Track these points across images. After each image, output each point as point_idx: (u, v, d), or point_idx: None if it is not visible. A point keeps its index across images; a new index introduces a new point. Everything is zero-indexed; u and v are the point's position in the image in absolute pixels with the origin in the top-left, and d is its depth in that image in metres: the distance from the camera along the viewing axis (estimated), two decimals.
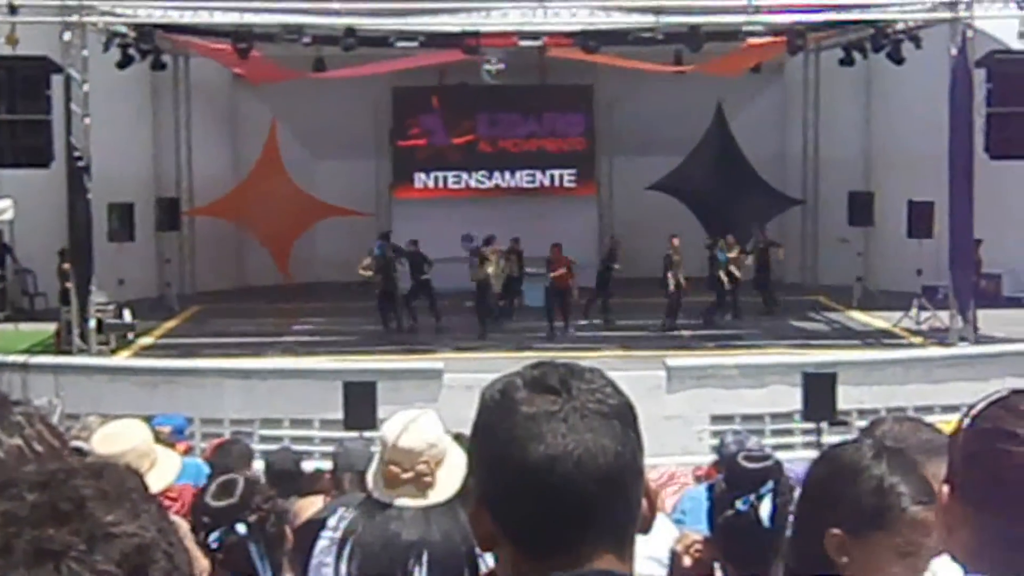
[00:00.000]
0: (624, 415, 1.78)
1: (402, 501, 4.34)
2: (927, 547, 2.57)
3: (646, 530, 1.82)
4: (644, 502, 1.81)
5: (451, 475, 4.39)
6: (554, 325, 23.78)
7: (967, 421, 1.97)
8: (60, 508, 1.18)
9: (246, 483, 3.98)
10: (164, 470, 5.34)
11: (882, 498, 2.62)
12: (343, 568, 4.28)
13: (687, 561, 3.21)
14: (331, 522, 4.34)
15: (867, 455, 2.68)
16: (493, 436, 1.77)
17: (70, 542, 1.15)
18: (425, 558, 4.27)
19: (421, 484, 4.33)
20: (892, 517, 2.61)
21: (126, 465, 1.28)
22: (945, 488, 1.98)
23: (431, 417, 4.50)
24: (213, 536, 3.78)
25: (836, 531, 2.63)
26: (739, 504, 3.22)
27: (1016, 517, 1.86)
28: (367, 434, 14.08)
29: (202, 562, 3.74)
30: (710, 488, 3.41)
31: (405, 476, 4.32)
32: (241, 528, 3.78)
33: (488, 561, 4.04)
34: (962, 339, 21.77)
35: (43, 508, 1.18)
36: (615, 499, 1.74)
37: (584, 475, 1.71)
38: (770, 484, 3.24)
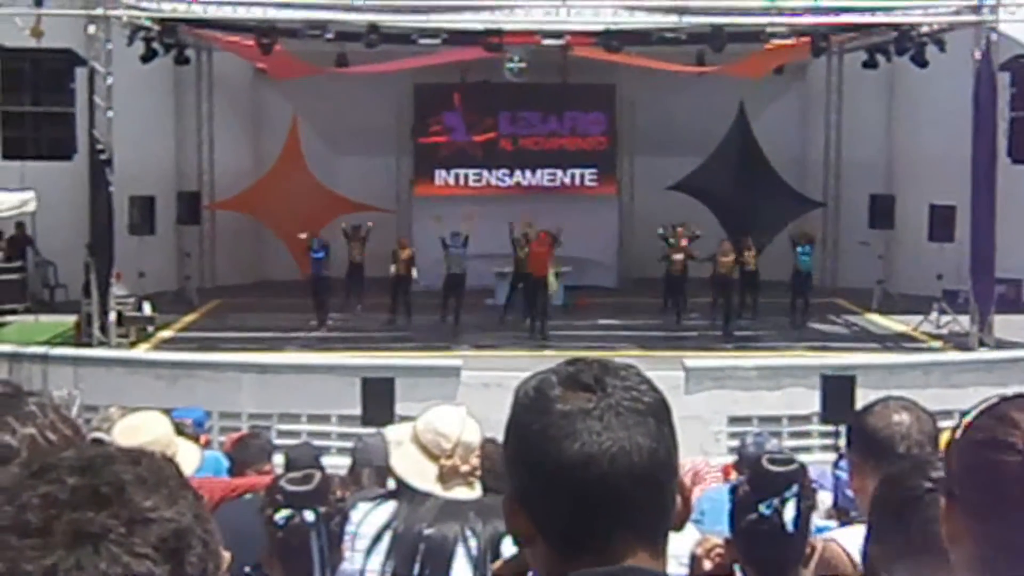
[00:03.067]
0: (659, 412, 1.79)
1: (458, 494, 4.37)
2: None
3: (680, 527, 1.82)
4: (678, 499, 1.81)
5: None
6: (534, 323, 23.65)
7: (959, 433, 1.98)
8: (100, 492, 1.20)
9: (323, 478, 4.07)
10: (184, 462, 5.36)
11: (907, 537, 2.66)
12: (373, 563, 4.29)
13: (707, 565, 3.20)
14: (353, 516, 4.35)
15: (916, 493, 2.71)
16: (528, 433, 1.77)
17: (109, 525, 1.18)
18: (464, 557, 4.29)
19: (469, 479, 4.37)
20: (912, 557, 2.65)
21: (162, 453, 1.30)
22: (943, 500, 1.98)
23: (464, 411, 4.57)
24: (281, 514, 3.85)
25: (877, 548, 2.72)
26: (763, 508, 3.21)
27: (1014, 527, 1.87)
28: (384, 431, 14.08)
29: (224, 554, 3.77)
30: (732, 490, 3.39)
31: (464, 469, 4.36)
32: (309, 515, 3.86)
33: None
34: (981, 344, 21.71)
35: (83, 491, 1.21)
36: (649, 497, 1.75)
37: (619, 473, 1.71)
38: (795, 488, 3.23)
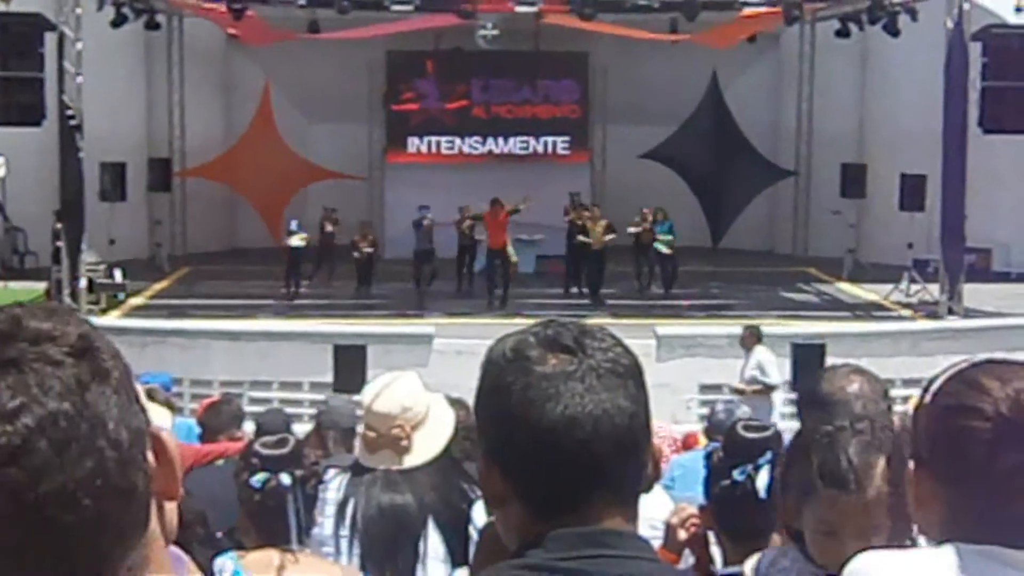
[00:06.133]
0: (635, 374, 1.79)
1: (380, 464, 4.37)
2: (850, 532, 2.66)
3: (648, 489, 1.83)
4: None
5: (432, 438, 4.40)
6: (495, 293, 23.56)
7: (928, 397, 1.99)
8: (2, 329, 1.28)
9: (297, 442, 4.08)
10: None
11: (806, 476, 2.75)
12: (344, 529, 4.30)
13: (682, 535, 3.21)
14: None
15: (820, 432, 2.79)
16: (506, 395, 1.76)
17: (21, 348, 1.26)
18: (431, 523, 4.29)
19: (398, 448, 4.35)
20: (811, 496, 2.74)
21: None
22: (911, 463, 2.00)
23: (408, 380, 4.50)
24: (258, 477, 3.85)
25: (786, 497, 2.82)
26: (736, 474, 3.23)
27: (982, 490, 1.89)
28: (355, 397, 14.06)
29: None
30: (707, 456, 3.41)
31: (380, 440, 4.35)
32: (286, 478, 3.86)
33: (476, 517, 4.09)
34: (951, 312, 21.83)
35: None
36: (627, 459, 1.75)
37: (601, 436, 1.72)
38: (768, 455, 3.25)
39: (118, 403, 1.28)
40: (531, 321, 1.92)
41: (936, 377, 2.00)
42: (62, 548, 1.23)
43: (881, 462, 2.72)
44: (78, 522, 1.23)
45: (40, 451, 1.21)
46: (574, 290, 24.68)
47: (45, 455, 1.21)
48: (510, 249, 24.14)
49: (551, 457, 1.73)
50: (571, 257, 24.88)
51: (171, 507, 1.39)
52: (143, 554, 1.31)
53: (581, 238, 24.43)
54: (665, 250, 24.70)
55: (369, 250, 24.65)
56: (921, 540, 2.71)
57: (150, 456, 1.32)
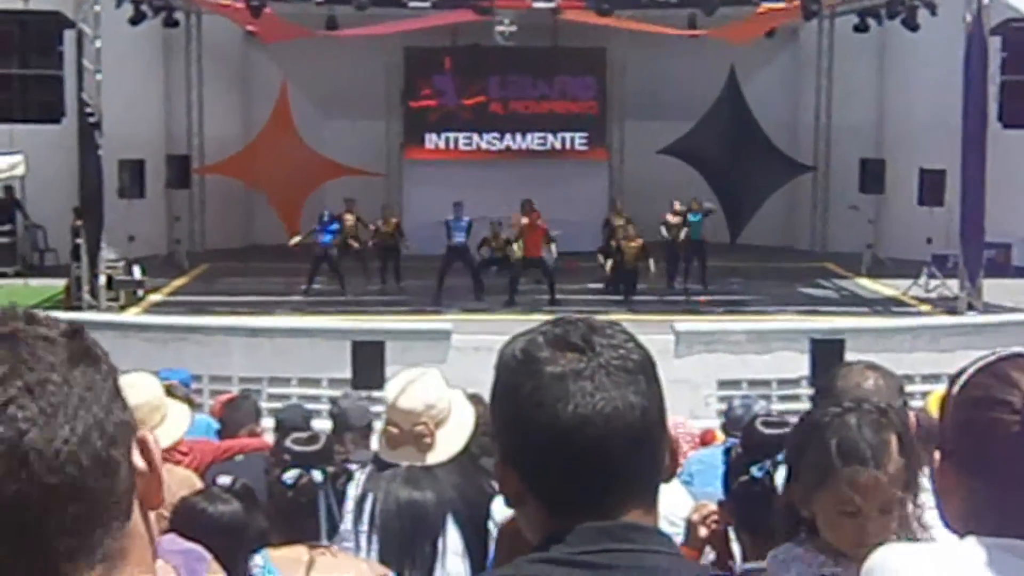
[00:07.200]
0: (647, 369, 1.79)
1: (402, 461, 4.38)
2: (873, 509, 2.67)
3: (668, 479, 1.84)
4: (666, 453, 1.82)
5: (454, 435, 4.42)
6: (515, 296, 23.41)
7: (956, 388, 1.99)
8: None
9: (328, 439, 4.10)
10: (175, 424, 5.36)
11: (823, 457, 2.76)
12: (363, 524, 4.32)
13: (703, 532, 3.21)
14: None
15: (829, 415, 2.82)
16: (518, 396, 1.76)
17: (15, 325, 1.34)
18: (450, 519, 4.30)
19: (421, 445, 4.36)
20: (830, 477, 2.75)
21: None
22: (937, 454, 2.00)
23: (432, 377, 4.51)
24: (290, 474, 3.86)
25: (796, 485, 2.84)
26: (755, 470, 3.22)
27: (1007, 484, 1.89)
28: (375, 394, 14.07)
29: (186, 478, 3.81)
30: (726, 452, 3.40)
31: (403, 436, 4.36)
32: (318, 475, 3.87)
33: (495, 512, 4.10)
34: (970, 308, 21.76)
35: None
36: (643, 454, 1.76)
37: (614, 433, 1.72)
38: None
39: (105, 388, 1.34)
40: (548, 317, 1.92)
41: (964, 369, 2.00)
42: (39, 513, 1.25)
43: (894, 439, 2.75)
44: (58, 486, 1.25)
45: (27, 408, 1.26)
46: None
47: (32, 413, 1.25)
48: (546, 254, 23.95)
49: (565, 457, 1.73)
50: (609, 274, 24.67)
51: (154, 516, 1.40)
52: (121, 545, 1.31)
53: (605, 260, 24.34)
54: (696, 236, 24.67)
55: (388, 229, 24.64)
56: (928, 519, 2.73)
57: (138, 456, 1.35)
